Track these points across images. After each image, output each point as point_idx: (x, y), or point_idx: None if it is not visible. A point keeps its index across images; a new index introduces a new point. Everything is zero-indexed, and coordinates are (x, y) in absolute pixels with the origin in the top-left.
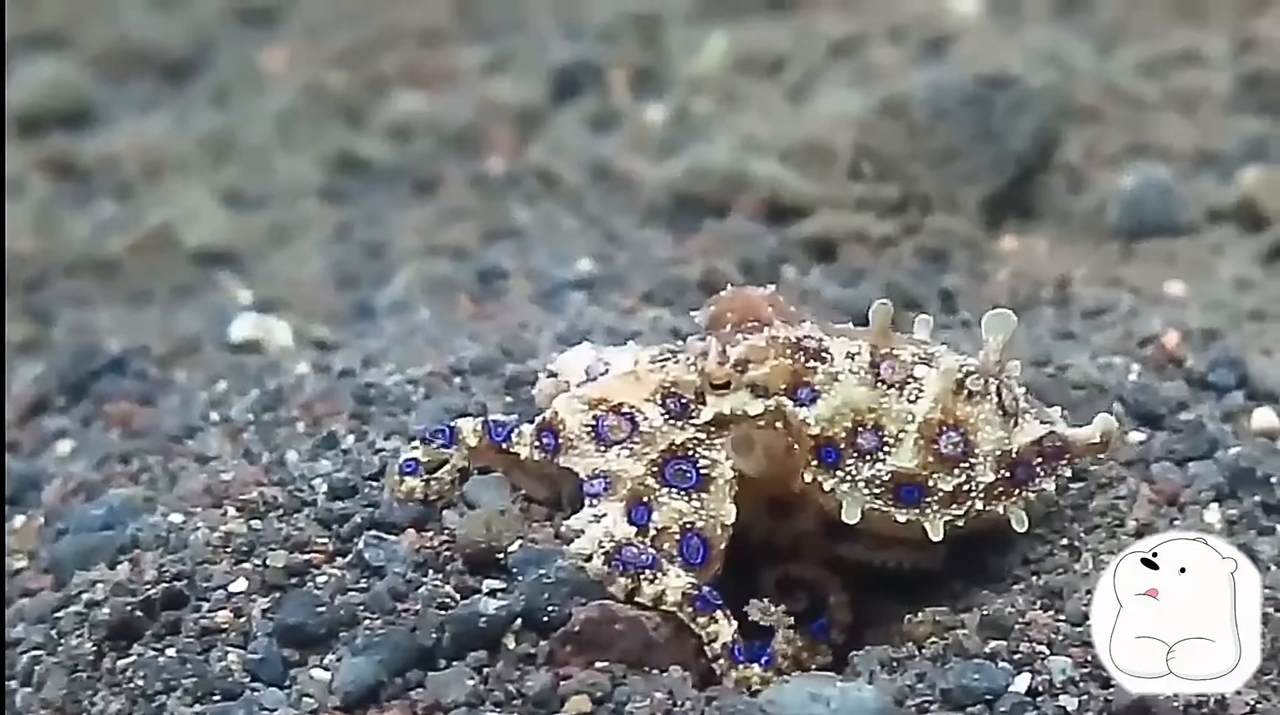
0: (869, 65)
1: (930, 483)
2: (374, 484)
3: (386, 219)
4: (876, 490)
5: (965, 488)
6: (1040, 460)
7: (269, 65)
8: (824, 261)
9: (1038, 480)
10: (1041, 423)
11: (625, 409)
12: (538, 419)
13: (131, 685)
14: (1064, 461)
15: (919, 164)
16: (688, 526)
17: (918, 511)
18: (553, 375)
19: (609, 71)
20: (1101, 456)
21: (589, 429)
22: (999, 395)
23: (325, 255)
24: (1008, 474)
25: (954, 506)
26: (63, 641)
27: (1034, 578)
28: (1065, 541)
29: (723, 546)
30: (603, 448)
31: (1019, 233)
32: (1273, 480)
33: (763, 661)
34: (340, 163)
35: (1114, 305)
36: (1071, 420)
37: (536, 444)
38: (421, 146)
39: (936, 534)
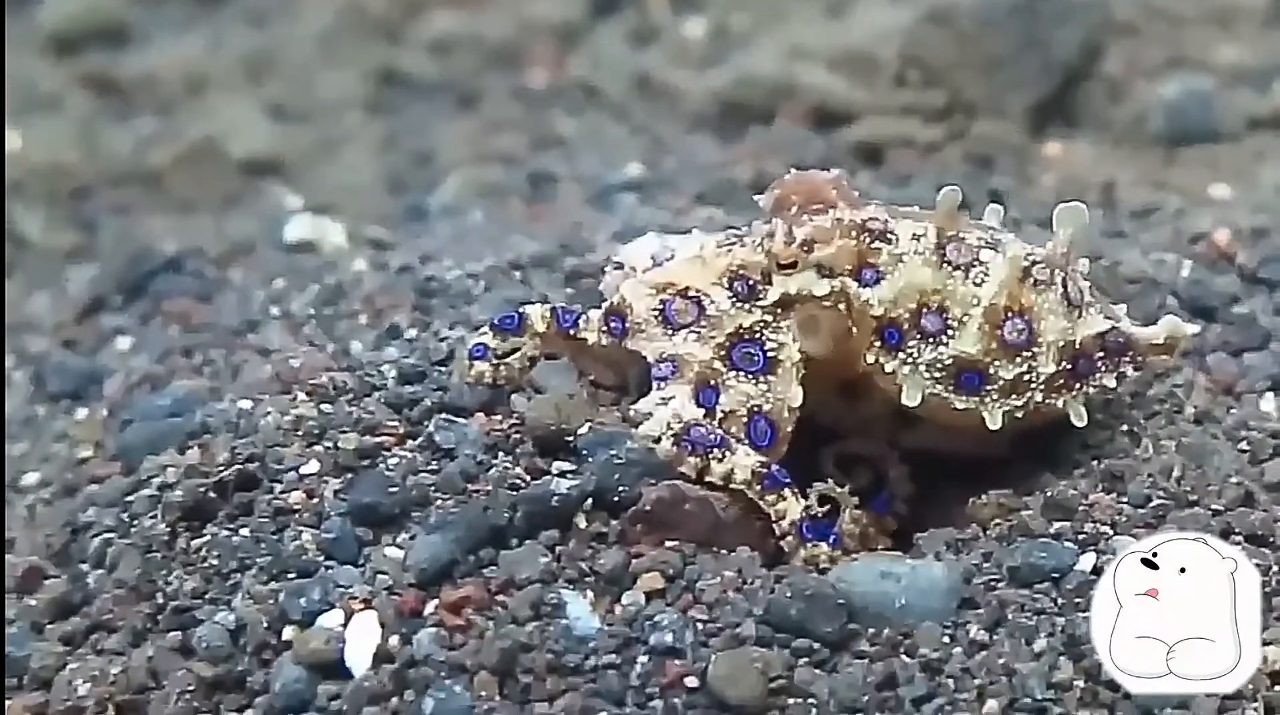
0: None
1: (991, 370)
2: (442, 369)
3: (432, 130)
4: (938, 374)
5: (1026, 378)
6: (1103, 355)
7: None
8: (872, 166)
9: (1099, 375)
10: (1106, 318)
11: (692, 292)
12: (605, 304)
13: (206, 564)
14: (1127, 359)
15: (965, 71)
16: (755, 409)
17: (977, 399)
18: (620, 266)
19: None
20: (1167, 359)
21: (656, 313)
22: (1064, 286)
23: (374, 163)
24: (1069, 366)
25: (1014, 397)
26: (136, 523)
27: (1095, 462)
28: (1125, 427)
29: (789, 429)
30: (670, 331)
31: (1063, 139)
32: None
33: (830, 540)
34: (383, 77)
35: (1161, 205)
36: (1127, 313)
37: (604, 329)
38: (463, 61)
39: (995, 423)
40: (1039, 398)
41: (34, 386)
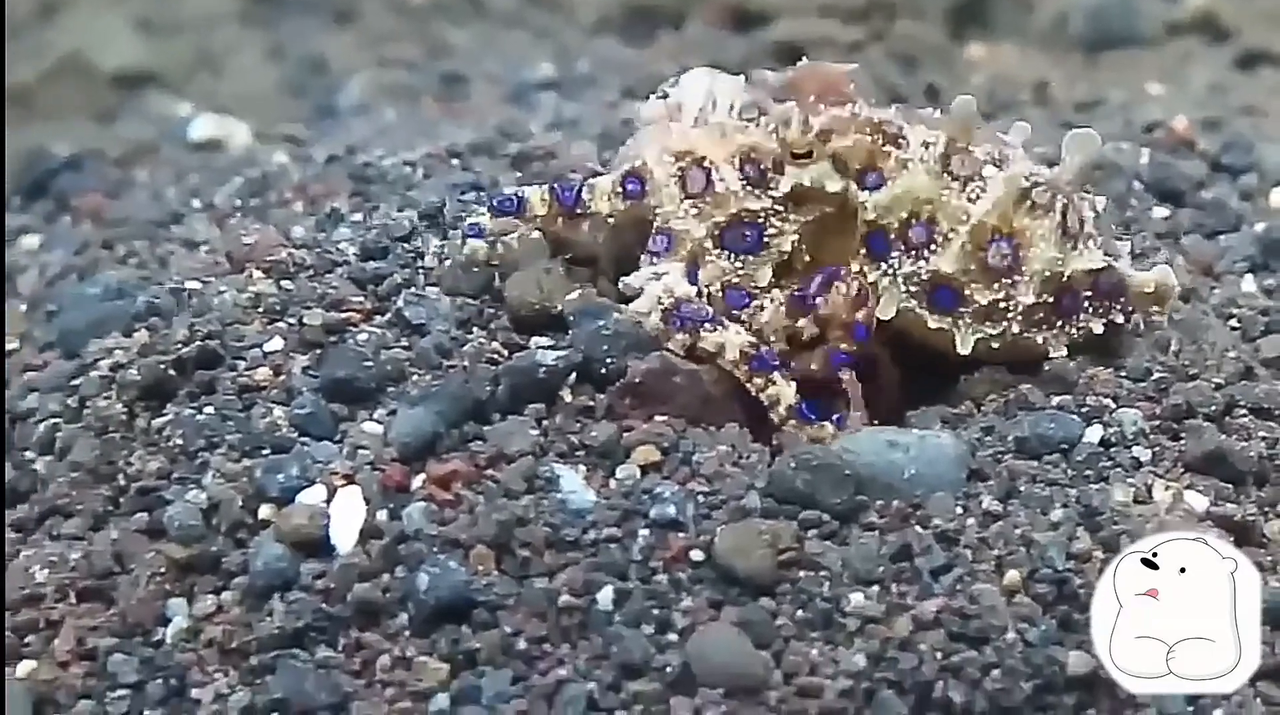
0: None
1: (968, 292)
2: (405, 245)
3: (316, 41)
4: (914, 288)
5: (1002, 306)
6: (1091, 294)
7: None
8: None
9: (1084, 316)
10: (1105, 255)
11: (706, 163)
12: (623, 167)
13: (170, 443)
14: (1118, 305)
15: None
16: (727, 284)
17: (950, 320)
18: (664, 96)
19: None
20: (1157, 310)
21: (676, 178)
22: (1064, 215)
23: (265, 71)
24: (1052, 299)
25: (988, 323)
26: (88, 405)
27: None
28: None
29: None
30: (684, 197)
31: (984, 41)
32: None
33: (835, 419)
34: None
35: (1105, 99)
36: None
37: (620, 191)
38: None
39: (965, 348)
40: (1016, 329)
41: None
